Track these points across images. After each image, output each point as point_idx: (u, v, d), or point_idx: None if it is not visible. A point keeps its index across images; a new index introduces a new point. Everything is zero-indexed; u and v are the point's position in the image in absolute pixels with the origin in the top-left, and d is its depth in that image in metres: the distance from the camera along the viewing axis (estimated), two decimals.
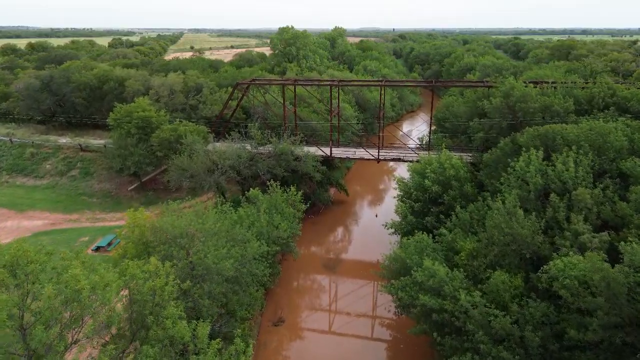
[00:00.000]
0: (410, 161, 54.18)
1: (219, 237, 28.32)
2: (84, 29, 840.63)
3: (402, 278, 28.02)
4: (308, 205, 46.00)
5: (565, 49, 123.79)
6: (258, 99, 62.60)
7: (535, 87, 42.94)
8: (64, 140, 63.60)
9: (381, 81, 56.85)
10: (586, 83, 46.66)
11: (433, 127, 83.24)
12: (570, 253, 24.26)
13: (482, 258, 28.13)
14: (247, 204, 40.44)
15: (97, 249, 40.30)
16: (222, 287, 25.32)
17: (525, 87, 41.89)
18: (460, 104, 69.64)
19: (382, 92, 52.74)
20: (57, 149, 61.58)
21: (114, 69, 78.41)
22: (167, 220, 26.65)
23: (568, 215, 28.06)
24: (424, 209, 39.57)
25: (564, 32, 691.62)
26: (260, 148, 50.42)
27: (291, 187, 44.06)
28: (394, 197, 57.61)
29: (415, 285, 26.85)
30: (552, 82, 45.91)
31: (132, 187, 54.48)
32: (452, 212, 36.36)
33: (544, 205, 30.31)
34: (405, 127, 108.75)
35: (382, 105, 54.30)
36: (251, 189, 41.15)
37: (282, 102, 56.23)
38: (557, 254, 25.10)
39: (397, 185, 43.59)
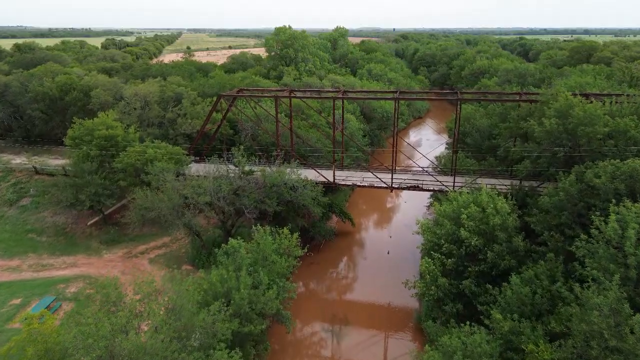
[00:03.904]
0: (432, 190, 44.61)
1: (165, 341, 18.62)
2: (82, 28, 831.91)
3: None
4: (306, 247, 36.50)
5: (586, 51, 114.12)
6: (246, 113, 52.97)
7: (602, 103, 33.23)
8: (18, 160, 53.92)
9: (395, 92, 47.16)
10: None
11: (450, 141, 73.88)
12: None
13: None
14: (225, 257, 30.79)
15: None
16: None
17: (590, 102, 32.19)
18: (483, 116, 60.25)
19: (397, 106, 43.01)
20: (8, 172, 51.93)
21: (89, 74, 68.88)
22: (85, 330, 16.96)
23: None
24: (459, 266, 29.94)
25: (565, 31, 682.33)
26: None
27: (284, 229, 34.47)
28: (413, 233, 48.34)
29: None
30: (616, 95, 36.31)
31: (92, 221, 44.75)
32: (503, 282, 26.85)
33: None
34: (413, 135, 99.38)
35: (396, 122, 44.56)
36: (231, 238, 31.51)
37: (275, 115, 46.59)
38: None
39: (419, 230, 33.96)
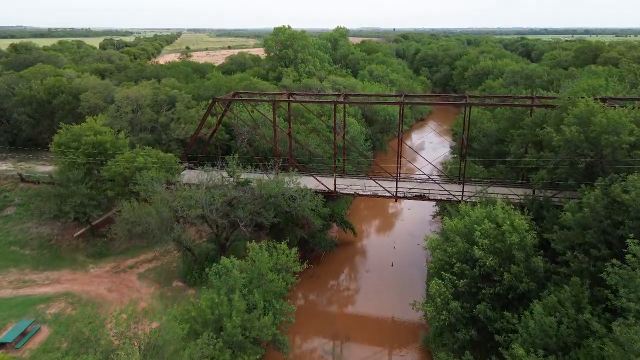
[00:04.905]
0: (439, 200, 42.15)
1: None
2: (82, 28, 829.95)
3: None
4: (306, 262, 34.03)
5: (592, 51, 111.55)
6: (243, 117, 50.51)
7: (632, 108, 30.68)
8: (3, 166, 51.40)
9: (400, 96, 44.64)
10: None
11: (455, 145, 71.45)
12: None
13: None
14: (217, 277, 28.31)
15: (1, 345, 28.07)
16: None
17: (612, 108, 29.71)
18: (490, 119, 57.79)
19: (401, 111, 40.52)
20: None
21: (81, 75, 66.44)
22: None
23: None
24: (472, 288, 27.46)
25: (565, 31, 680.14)
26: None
27: (282, 244, 31.95)
28: (420, 246, 46.00)
29: None
30: (638, 100, 33.79)
31: (79, 232, 42.26)
32: (520, 305, 24.43)
33: None
34: (416, 138, 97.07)
35: (401, 128, 42.03)
36: (224, 257, 29.03)
37: (272, 120, 44.10)
38: None
39: (427, 246, 31.48)
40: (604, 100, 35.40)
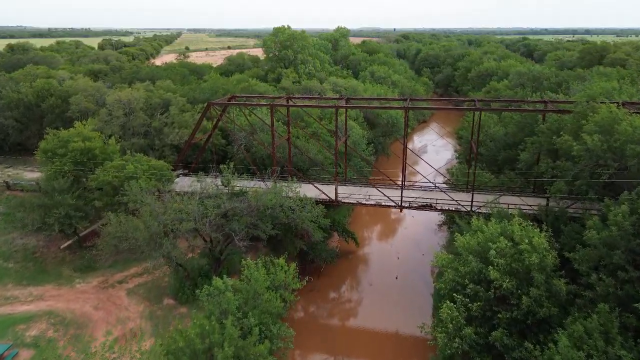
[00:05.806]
0: (447, 210, 39.82)
1: None
2: (81, 28, 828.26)
3: None
4: (306, 278, 31.76)
5: (597, 52, 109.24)
6: (240, 122, 48.26)
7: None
8: None
9: (404, 100, 42.34)
10: None
11: (458, 150, 69.04)
12: None
13: None
14: (208, 299, 26.03)
15: None
16: None
17: (636, 115, 27.45)
18: (497, 123, 55.46)
19: (406, 116, 38.22)
20: None
21: (74, 77, 64.22)
22: None
23: None
24: (487, 312, 25.18)
25: (566, 31, 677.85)
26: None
27: (280, 260, 29.70)
28: (425, 256, 43.79)
29: None
30: None
31: (66, 244, 39.97)
32: (539, 332, 22.19)
33: None
34: (418, 141, 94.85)
35: (406, 134, 39.67)
36: (216, 277, 26.77)
37: (270, 124, 41.82)
38: None
39: (436, 262, 29.19)
40: (621, 105, 33.17)
